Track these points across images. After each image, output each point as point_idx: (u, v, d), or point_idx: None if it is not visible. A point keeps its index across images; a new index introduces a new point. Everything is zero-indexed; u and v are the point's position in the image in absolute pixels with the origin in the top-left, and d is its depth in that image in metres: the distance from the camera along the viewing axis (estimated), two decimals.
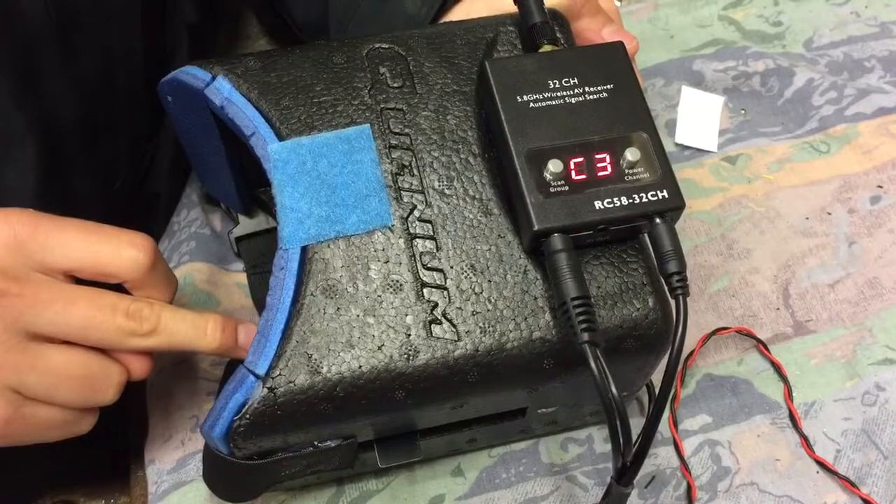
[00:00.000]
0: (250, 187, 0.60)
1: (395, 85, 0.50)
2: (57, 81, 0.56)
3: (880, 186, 0.69)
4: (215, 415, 0.45)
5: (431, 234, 0.47)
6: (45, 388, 0.45)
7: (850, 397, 0.59)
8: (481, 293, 0.46)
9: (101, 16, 0.58)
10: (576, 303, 0.44)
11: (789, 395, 0.59)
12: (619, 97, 0.48)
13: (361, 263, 0.46)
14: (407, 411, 0.46)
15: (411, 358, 0.45)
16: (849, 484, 0.56)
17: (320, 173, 0.48)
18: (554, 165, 0.45)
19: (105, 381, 0.46)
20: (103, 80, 0.59)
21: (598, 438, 0.58)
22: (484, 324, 0.46)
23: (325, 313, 0.45)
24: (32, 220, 0.44)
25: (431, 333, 0.45)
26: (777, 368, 0.60)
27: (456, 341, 0.45)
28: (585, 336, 0.43)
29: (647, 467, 0.57)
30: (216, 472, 0.49)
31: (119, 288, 0.47)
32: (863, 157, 0.70)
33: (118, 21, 0.59)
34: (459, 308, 0.46)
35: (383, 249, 0.47)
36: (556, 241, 0.45)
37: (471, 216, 0.48)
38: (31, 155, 0.55)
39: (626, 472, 0.45)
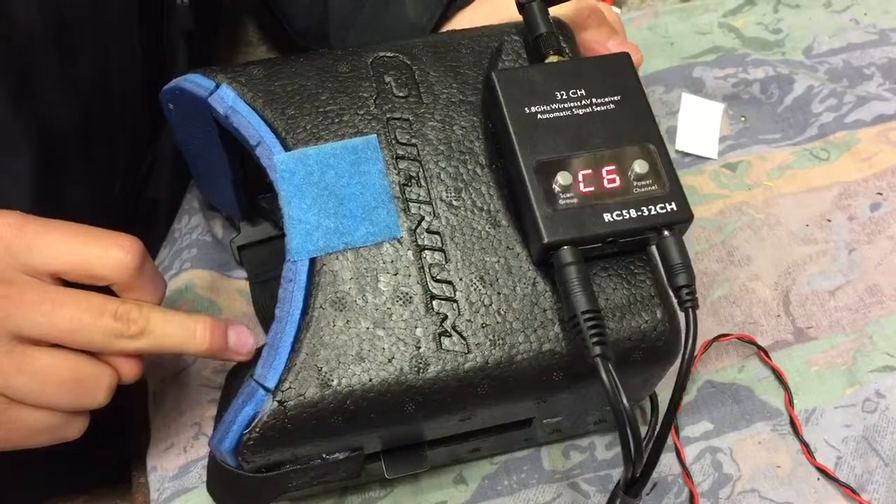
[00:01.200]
0: (251, 195, 0.61)
1: (401, 94, 0.50)
2: (54, 88, 0.55)
3: (880, 193, 0.69)
4: (224, 428, 0.45)
5: (440, 245, 0.47)
6: (33, 391, 0.44)
7: (850, 404, 0.60)
8: (490, 305, 0.46)
9: (98, 22, 0.57)
10: (586, 316, 0.44)
11: (790, 402, 0.59)
12: (627, 109, 0.48)
13: (370, 275, 0.46)
14: (416, 424, 0.46)
15: (421, 371, 0.45)
16: (850, 491, 0.56)
17: (328, 184, 0.48)
18: (563, 178, 0.46)
19: (94, 383, 0.46)
20: (100, 86, 0.59)
21: (600, 445, 0.58)
22: (494, 336, 0.46)
23: (334, 326, 0.45)
24: (18, 221, 0.44)
25: (441, 346, 0.45)
26: (778, 375, 0.61)
27: (466, 353, 0.45)
28: (597, 350, 0.43)
29: None
30: (221, 483, 0.49)
31: (108, 291, 0.47)
32: (862, 164, 0.70)
33: (115, 28, 0.59)
34: (469, 320, 0.46)
35: (392, 261, 0.47)
36: (566, 253, 0.45)
37: (479, 228, 0.48)
38: (27, 162, 0.55)
39: (634, 483, 0.45)
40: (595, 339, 0.43)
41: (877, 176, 0.70)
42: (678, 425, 0.59)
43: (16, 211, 0.45)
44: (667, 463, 0.57)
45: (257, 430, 0.44)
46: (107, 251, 0.45)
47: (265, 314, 0.61)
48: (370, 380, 0.45)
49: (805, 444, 0.58)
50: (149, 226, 0.69)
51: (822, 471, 0.57)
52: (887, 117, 0.73)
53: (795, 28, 0.79)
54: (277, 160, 0.48)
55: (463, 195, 0.49)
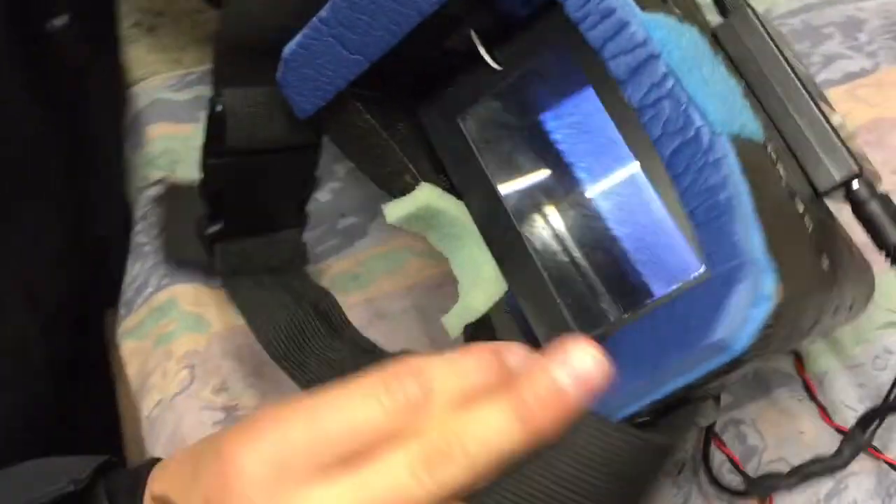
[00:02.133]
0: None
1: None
2: None
3: None
4: (734, 325, 0.32)
5: (779, 162, 0.41)
6: None
7: (860, 363, 0.60)
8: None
9: None
10: None
11: (802, 367, 0.59)
12: None
13: (758, 172, 0.38)
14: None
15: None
16: (874, 451, 0.56)
17: (697, 66, 0.39)
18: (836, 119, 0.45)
19: None
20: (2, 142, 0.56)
21: None
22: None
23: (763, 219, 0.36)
24: (278, 438, 0.34)
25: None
26: None
27: None
28: None
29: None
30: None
31: None
32: None
33: None
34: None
35: (765, 163, 0.40)
36: (869, 187, 0.45)
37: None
38: None
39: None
40: None
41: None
42: None
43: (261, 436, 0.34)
44: (691, 440, 0.57)
45: (767, 330, 0.32)
46: (377, 401, 0.34)
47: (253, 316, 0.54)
48: (801, 291, 0.37)
49: (822, 408, 0.58)
50: (102, 262, 0.66)
51: (843, 432, 0.57)
52: (853, 74, 0.73)
53: None
54: (646, 20, 0.37)
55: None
